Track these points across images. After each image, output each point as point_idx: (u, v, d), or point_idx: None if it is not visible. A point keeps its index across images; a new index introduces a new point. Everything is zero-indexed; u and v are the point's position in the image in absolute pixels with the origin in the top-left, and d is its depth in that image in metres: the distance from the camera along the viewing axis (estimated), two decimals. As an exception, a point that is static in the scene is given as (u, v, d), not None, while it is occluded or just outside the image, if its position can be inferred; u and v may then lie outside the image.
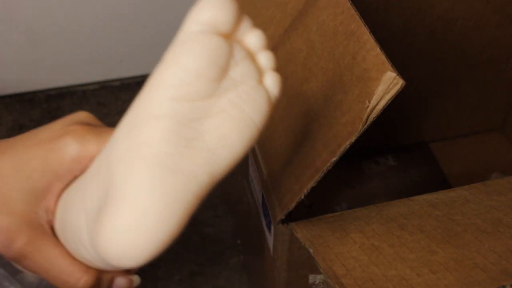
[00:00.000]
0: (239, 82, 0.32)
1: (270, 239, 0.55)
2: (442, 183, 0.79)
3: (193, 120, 0.32)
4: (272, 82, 0.34)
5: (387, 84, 0.40)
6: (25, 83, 0.99)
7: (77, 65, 0.99)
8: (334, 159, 0.43)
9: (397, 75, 0.39)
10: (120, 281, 0.41)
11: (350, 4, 0.46)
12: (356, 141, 0.42)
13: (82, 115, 0.40)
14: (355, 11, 0.45)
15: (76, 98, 1.00)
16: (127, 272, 0.41)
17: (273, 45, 0.54)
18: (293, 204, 0.47)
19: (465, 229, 0.46)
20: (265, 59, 0.34)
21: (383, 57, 0.41)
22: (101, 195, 0.33)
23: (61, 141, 0.37)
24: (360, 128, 0.41)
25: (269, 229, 0.55)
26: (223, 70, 0.32)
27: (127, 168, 0.32)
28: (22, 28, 0.92)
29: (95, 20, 0.94)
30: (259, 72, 0.33)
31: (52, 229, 0.39)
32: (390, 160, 0.81)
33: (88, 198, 0.35)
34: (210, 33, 0.31)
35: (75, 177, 0.38)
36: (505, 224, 0.46)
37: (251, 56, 0.33)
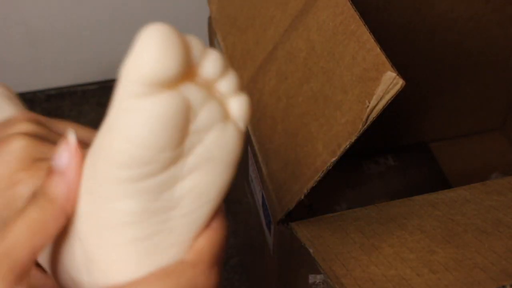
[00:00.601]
0: (203, 131, 0.27)
1: (270, 239, 0.55)
2: (442, 183, 0.79)
3: (163, 192, 0.28)
4: (238, 109, 0.29)
5: (387, 84, 0.40)
6: (25, 83, 0.99)
7: (77, 65, 0.99)
8: (334, 159, 0.43)
9: (397, 75, 0.39)
10: None
11: (350, 4, 0.46)
12: (356, 141, 0.42)
13: (23, 127, 0.36)
14: (355, 11, 0.45)
15: (76, 98, 1.00)
16: None
17: (273, 45, 0.54)
18: (293, 204, 0.47)
19: (465, 229, 0.46)
20: (226, 84, 0.28)
21: (383, 57, 0.41)
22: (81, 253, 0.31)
23: (14, 193, 0.34)
24: (360, 128, 0.41)
25: (269, 229, 0.55)
26: (184, 129, 0.27)
27: (99, 254, 0.29)
28: (22, 28, 0.92)
29: (95, 20, 0.95)
30: (223, 106, 0.28)
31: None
32: (390, 160, 0.81)
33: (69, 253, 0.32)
34: (156, 93, 0.25)
35: None
36: (505, 224, 0.46)
37: (209, 93, 0.28)
